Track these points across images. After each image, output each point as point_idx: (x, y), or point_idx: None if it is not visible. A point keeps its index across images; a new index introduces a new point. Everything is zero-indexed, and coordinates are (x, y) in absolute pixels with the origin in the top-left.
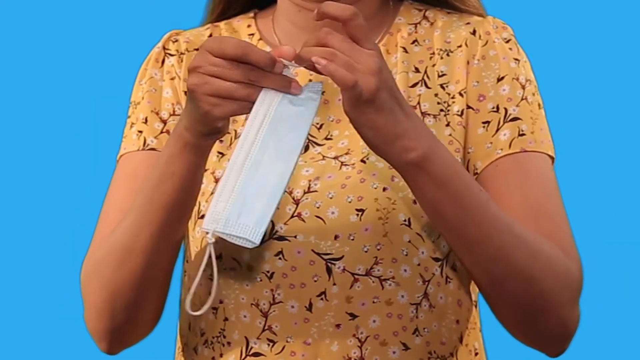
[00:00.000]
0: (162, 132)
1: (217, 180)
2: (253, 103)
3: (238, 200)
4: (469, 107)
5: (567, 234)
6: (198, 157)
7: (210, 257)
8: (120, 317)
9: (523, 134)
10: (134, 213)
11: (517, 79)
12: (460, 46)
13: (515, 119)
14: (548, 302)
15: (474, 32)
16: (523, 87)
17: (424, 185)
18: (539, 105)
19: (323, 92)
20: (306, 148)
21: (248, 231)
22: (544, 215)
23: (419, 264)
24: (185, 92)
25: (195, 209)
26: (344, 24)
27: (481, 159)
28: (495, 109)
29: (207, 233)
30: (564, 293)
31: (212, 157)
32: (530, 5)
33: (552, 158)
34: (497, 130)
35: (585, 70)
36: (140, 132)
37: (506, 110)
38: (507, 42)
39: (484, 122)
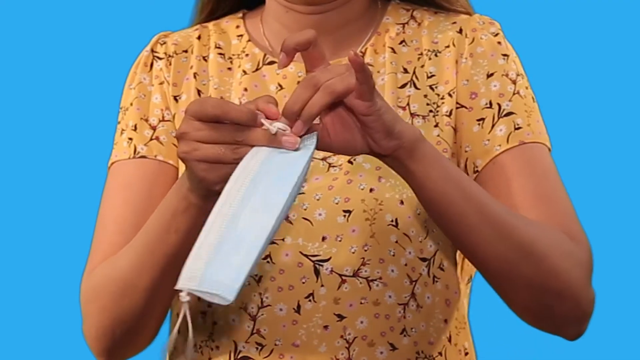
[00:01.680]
0: (151, 139)
1: None
2: None
3: (215, 256)
4: (460, 106)
5: (574, 219)
6: (201, 216)
7: (185, 316)
8: (120, 340)
9: (519, 127)
10: (136, 252)
11: (507, 75)
12: (448, 46)
13: (509, 113)
14: (559, 280)
15: (460, 31)
16: (514, 82)
17: (425, 165)
18: (532, 98)
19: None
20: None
21: (222, 288)
22: (550, 203)
23: (406, 264)
24: (175, 97)
25: None
26: (307, 48)
27: (481, 157)
28: (488, 105)
29: (181, 291)
30: (575, 271)
31: None
32: (518, 2)
33: (549, 149)
34: (493, 126)
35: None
36: (131, 139)
37: (499, 105)
38: (495, 36)
39: (478, 120)
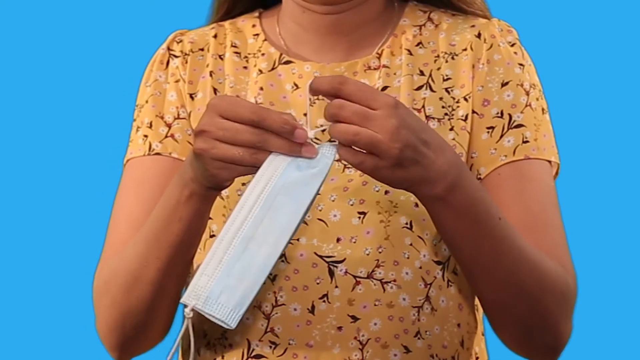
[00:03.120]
0: (166, 137)
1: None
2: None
3: (222, 277)
4: (474, 112)
5: (565, 248)
6: (205, 204)
7: (187, 329)
8: (130, 333)
9: (527, 141)
10: (141, 243)
11: (522, 85)
12: (465, 50)
13: (519, 125)
14: (548, 319)
15: (479, 35)
16: (527, 93)
17: (446, 216)
18: (542, 110)
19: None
20: None
21: (226, 314)
22: (543, 228)
23: (420, 267)
24: (190, 95)
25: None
26: (337, 96)
27: (485, 165)
28: (499, 115)
29: (186, 306)
30: (563, 310)
31: None
32: (534, 6)
33: (554, 164)
34: (502, 136)
35: (589, 72)
36: (146, 136)
37: (510, 116)
38: (512, 45)
39: (488, 128)
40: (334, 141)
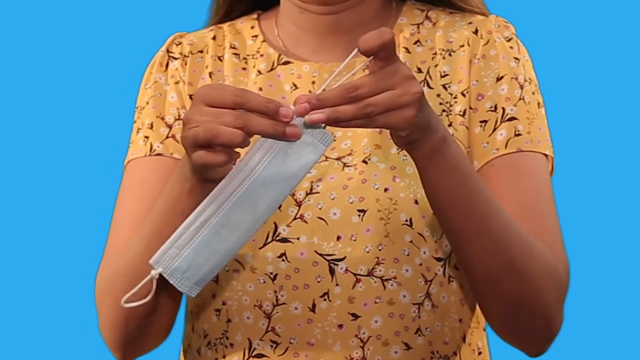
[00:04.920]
0: (167, 137)
1: None
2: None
3: (190, 255)
4: (470, 107)
5: (557, 237)
6: (205, 195)
7: (152, 284)
8: (133, 332)
9: (519, 134)
10: (144, 239)
11: (516, 79)
12: (462, 46)
13: (512, 118)
14: (538, 300)
15: (476, 32)
16: (521, 87)
17: (440, 168)
18: (538, 104)
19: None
20: None
21: (188, 287)
22: (536, 216)
23: (420, 264)
24: (190, 96)
25: None
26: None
27: (478, 158)
28: (493, 109)
29: (153, 267)
30: (553, 293)
31: None
32: (532, 3)
33: (549, 157)
34: (494, 129)
35: (587, 68)
36: (147, 137)
37: (504, 109)
38: (509, 40)
39: (481, 121)
40: (324, 128)
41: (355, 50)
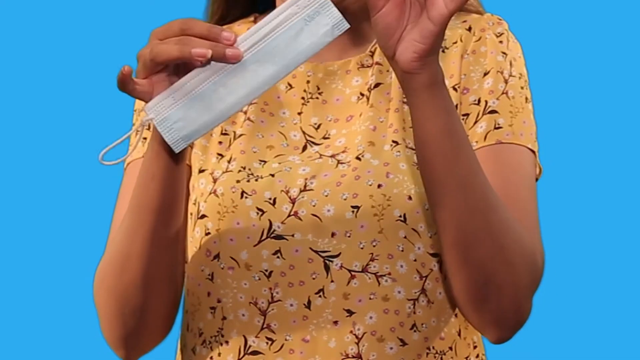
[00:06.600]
0: None
1: (215, 181)
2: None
3: (184, 107)
4: (461, 102)
5: (537, 233)
6: (173, 158)
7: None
8: (130, 322)
9: (499, 127)
10: (127, 219)
11: (502, 72)
12: (455, 42)
13: (493, 111)
14: (509, 276)
15: (469, 29)
16: (506, 81)
17: (435, 106)
18: (526, 99)
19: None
20: (304, 147)
21: (174, 139)
22: (514, 205)
23: (415, 260)
24: None
25: (195, 209)
26: None
27: None
28: (476, 102)
29: (146, 113)
30: (526, 275)
31: (212, 158)
32: (529, 3)
33: (533, 152)
34: (475, 122)
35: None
36: (145, 138)
37: (486, 102)
38: (499, 36)
39: (463, 115)
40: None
41: None
